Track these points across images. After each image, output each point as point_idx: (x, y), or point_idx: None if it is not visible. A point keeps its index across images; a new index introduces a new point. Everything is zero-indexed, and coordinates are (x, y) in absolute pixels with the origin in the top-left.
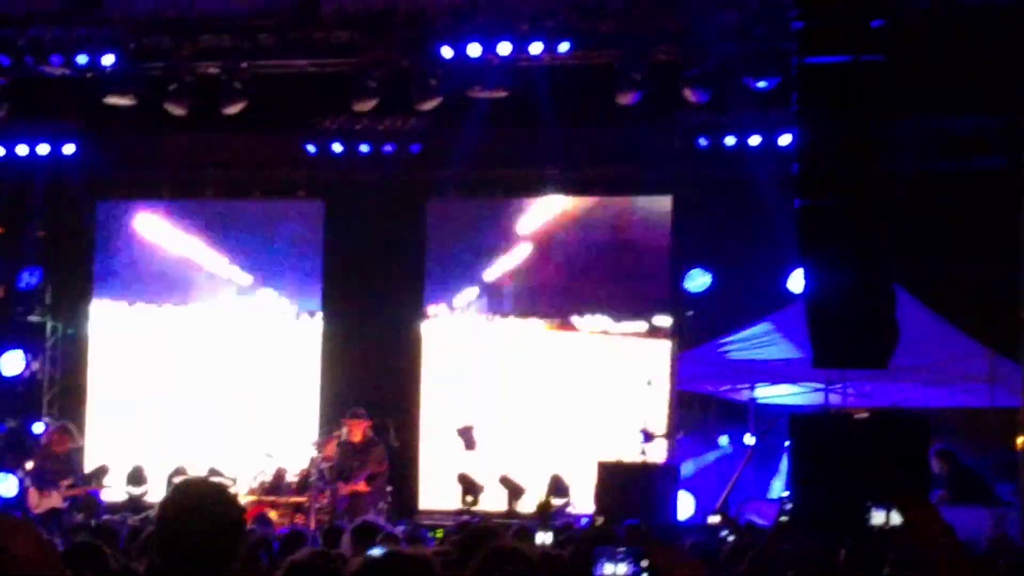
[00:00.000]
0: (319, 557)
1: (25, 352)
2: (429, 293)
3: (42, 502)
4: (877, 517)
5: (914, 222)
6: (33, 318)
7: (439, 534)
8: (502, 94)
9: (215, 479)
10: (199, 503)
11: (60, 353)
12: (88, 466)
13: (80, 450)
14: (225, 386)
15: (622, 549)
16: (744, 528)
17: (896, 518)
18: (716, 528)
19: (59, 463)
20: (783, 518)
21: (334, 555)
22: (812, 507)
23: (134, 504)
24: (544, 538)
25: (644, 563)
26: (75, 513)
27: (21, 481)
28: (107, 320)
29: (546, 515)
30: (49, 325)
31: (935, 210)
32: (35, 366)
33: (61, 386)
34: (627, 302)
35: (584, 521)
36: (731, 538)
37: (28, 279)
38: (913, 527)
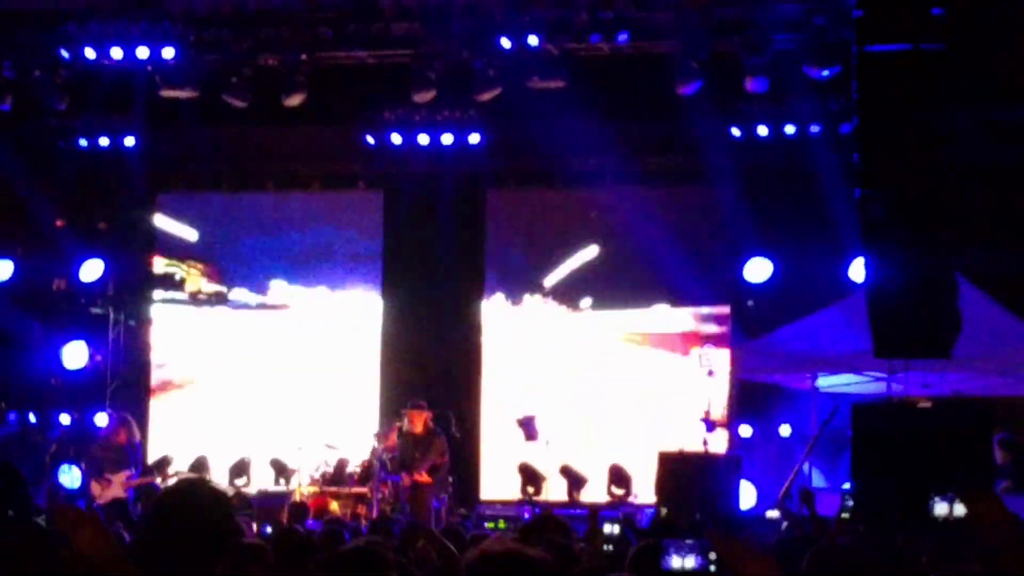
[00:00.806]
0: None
1: (88, 344)
2: (488, 285)
3: (104, 493)
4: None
5: (976, 211)
6: (95, 310)
7: (501, 524)
8: (560, 85)
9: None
10: (190, 502)
11: (122, 345)
12: (151, 457)
13: (140, 442)
14: (287, 377)
15: (690, 542)
16: (803, 519)
17: (959, 509)
18: (775, 520)
19: (118, 454)
20: (845, 511)
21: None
22: (874, 497)
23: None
24: (611, 529)
25: (712, 556)
26: (138, 504)
27: (85, 473)
28: (171, 312)
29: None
30: (111, 317)
31: (998, 199)
32: (97, 358)
33: (123, 378)
34: (688, 292)
35: (648, 512)
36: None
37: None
38: (977, 519)
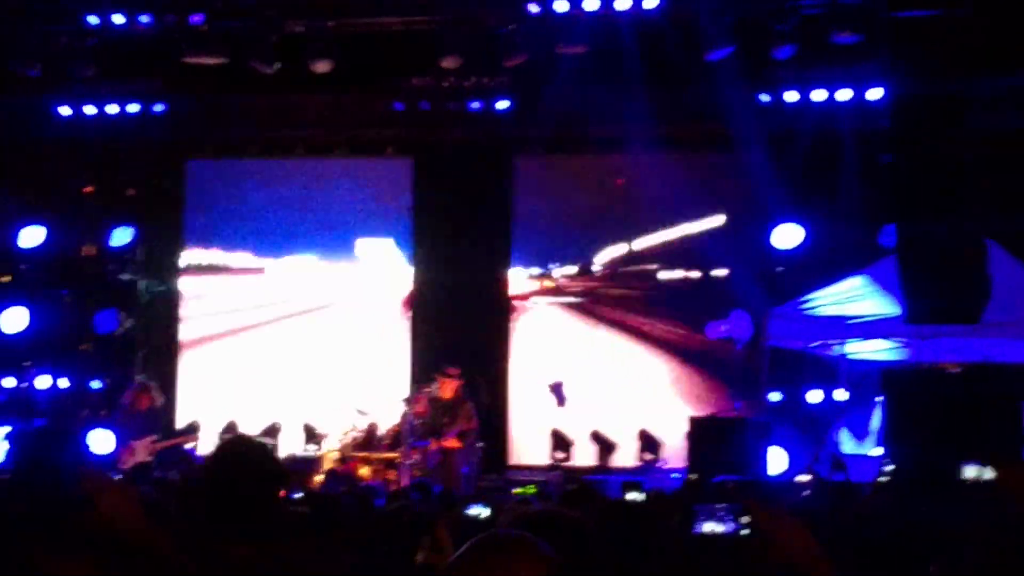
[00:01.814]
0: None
1: (118, 310)
2: (516, 250)
3: (128, 458)
4: (969, 472)
5: (1006, 176)
6: (125, 276)
7: (531, 489)
8: (588, 50)
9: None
10: (243, 459)
11: (152, 311)
12: (180, 422)
13: (162, 406)
14: (317, 342)
15: (721, 506)
16: (833, 485)
17: (988, 473)
18: (804, 485)
19: (141, 420)
20: (881, 477)
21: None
22: (904, 463)
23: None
24: (636, 495)
25: (743, 521)
26: (164, 467)
27: (118, 437)
28: (199, 276)
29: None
30: (141, 283)
31: None
32: (128, 324)
33: (153, 343)
34: (716, 257)
35: (675, 476)
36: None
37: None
38: (1005, 485)
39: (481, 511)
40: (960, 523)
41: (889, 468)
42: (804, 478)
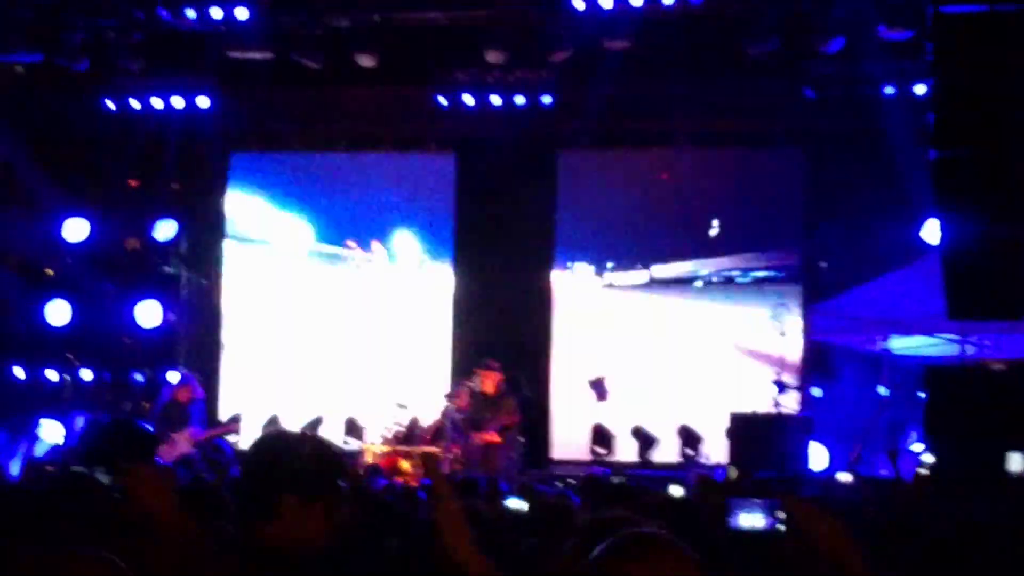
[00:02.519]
0: None
1: (161, 303)
2: (559, 245)
3: (169, 451)
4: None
5: None
6: (168, 269)
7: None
8: (633, 45)
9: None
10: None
11: (195, 304)
12: (223, 416)
13: (203, 399)
14: (359, 336)
15: (757, 501)
16: (872, 482)
17: None
18: (846, 483)
19: (181, 412)
20: (922, 472)
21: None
22: (949, 459)
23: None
24: (677, 491)
25: (780, 515)
26: (204, 460)
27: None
28: (243, 271)
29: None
30: (184, 276)
31: None
32: (171, 317)
33: (196, 337)
34: (760, 253)
35: (717, 472)
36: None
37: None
38: None
39: (520, 504)
40: (1006, 518)
41: (929, 464)
42: (846, 476)
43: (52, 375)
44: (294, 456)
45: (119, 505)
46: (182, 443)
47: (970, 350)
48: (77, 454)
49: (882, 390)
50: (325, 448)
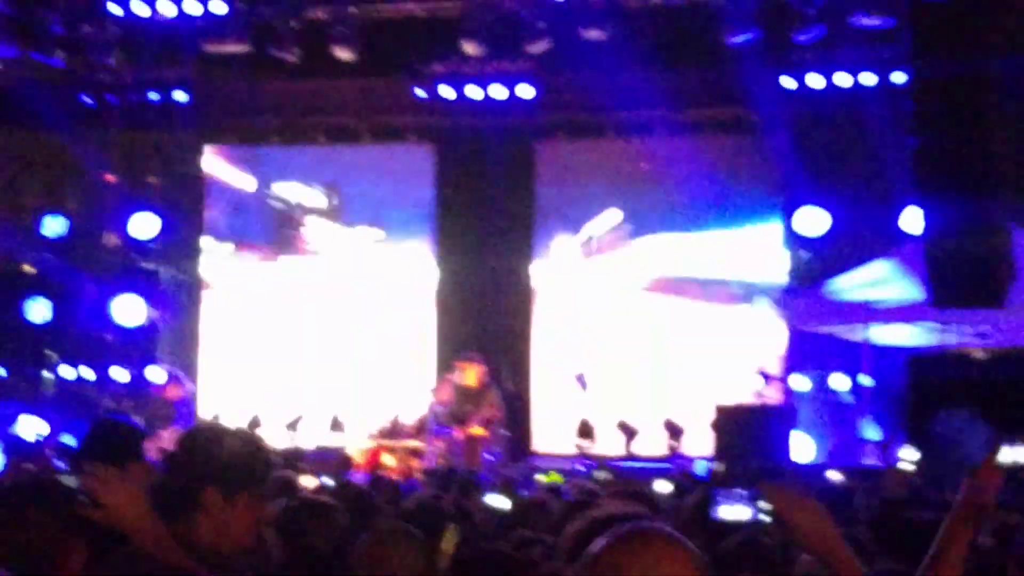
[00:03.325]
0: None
1: (139, 299)
2: (539, 236)
3: (155, 448)
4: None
5: None
6: (146, 265)
7: (554, 477)
8: (611, 35)
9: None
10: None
11: (174, 299)
12: (204, 413)
13: (191, 397)
14: (340, 332)
15: (740, 491)
16: (861, 470)
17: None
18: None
19: (169, 410)
20: (900, 462)
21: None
22: (931, 446)
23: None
24: (663, 487)
25: (763, 505)
26: None
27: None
28: (221, 267)
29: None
30: (162, 272)
31: None
32: (150, 313)
33: (174, 333)
34: (739, 243)
35: (703, 465)
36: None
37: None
38: None
39: (500, 501)
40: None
41: (911, 453)
42: (835, 475)
43: (32, 372)
44: (217, 449)
45: (86, 509)
46: (167, 442)
47: (951, 338)
48: (67, 452)
49: (864, 379)
50: (250, 442)
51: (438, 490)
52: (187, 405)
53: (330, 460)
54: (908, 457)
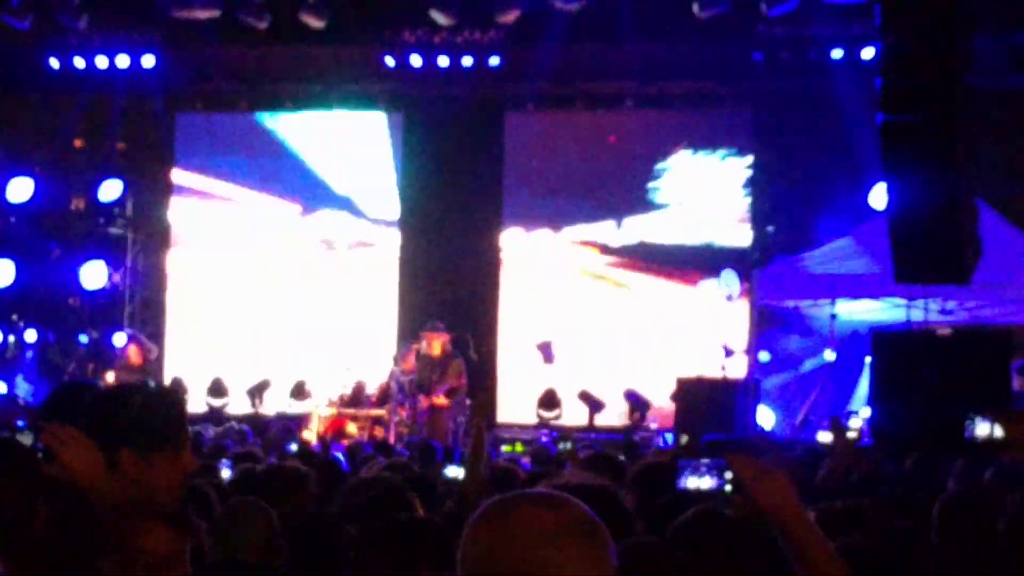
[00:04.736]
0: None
1: (107, 264)
2: (506, 207)
3: None
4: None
5: (998, 137)
6: (113, 230)
7: (518, 447)
8: (582, 6)
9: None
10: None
11: (140, 265)
12: (166, 378)
13: (155, 361)
14: (304, 300)
15: (705, 462)
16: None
17: (999, 431)
18: (790, 443)
19: (133, 374)
20: (855, 434)
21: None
22: (893, 422)
23: (215, 415)
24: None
25: (727, 475)
26: None
27: None
28: (189, 233)
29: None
30: (129, 237)
31: (1020, 125)
32: (116, 278)
33: (141, 298)
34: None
35: (667, 437)
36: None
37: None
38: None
39: (459, 473)
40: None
41: (872, 428)
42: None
43: None
44: (125, 411)
45: (42, 465)
46: None
47: (916, 314)
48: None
49: (829, 354)
50: (160, 399)
51: (421, 461)
52: (149, 370)
53: (293, 428)
54: (855, 425)
